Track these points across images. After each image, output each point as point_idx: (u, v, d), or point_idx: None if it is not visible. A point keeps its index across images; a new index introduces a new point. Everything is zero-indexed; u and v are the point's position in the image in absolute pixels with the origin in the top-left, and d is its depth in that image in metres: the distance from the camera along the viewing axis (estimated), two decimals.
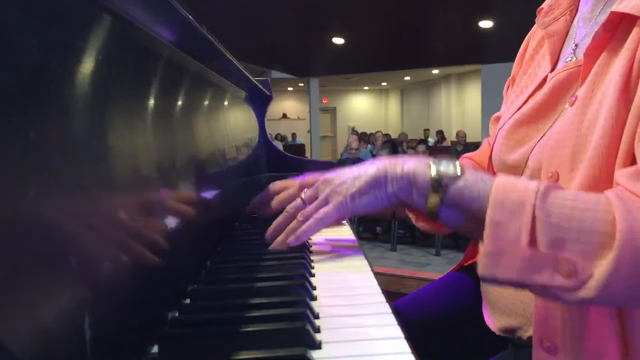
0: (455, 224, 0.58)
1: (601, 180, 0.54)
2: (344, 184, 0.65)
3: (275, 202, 0.81)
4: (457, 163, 0.57)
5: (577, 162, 0.57)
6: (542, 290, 0.49)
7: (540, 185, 0.50)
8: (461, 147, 8.73)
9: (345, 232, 0.90)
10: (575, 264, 0.47)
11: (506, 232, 0.49)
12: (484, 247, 0.50)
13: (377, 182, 0.62)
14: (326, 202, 0.66)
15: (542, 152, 0.63)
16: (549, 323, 0.58)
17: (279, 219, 0.72)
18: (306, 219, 0.67)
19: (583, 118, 0.58)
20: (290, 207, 0.72)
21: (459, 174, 0.56)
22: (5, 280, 0.25)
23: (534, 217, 0.48)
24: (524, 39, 0.86)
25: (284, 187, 0.81)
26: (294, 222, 0.69)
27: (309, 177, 0.76)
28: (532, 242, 0.48)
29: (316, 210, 0.67)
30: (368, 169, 0.64)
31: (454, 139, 10.26)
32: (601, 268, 0.46)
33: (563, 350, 0.57)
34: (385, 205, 0.63)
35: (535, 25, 0.82)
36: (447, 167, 0.57)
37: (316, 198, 0.68)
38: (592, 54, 0.60)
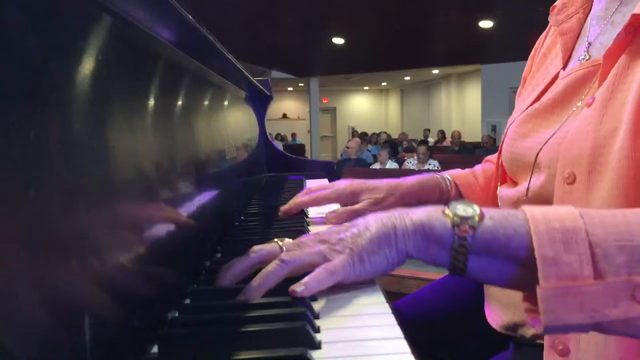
0: (487, 275, 0.49)
1: (630, 182, 0.52)
2: (344, 241, 0.53)
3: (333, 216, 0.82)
4: (474, 203, 0.49)
5: (596, 165, 0.55)
6: (623, 326, 0.42)
7: (577, 208, 0.45)
8: (457, 147, 8.74)
9: None
10: None
11: (564, 268, 0.42)
12: (542, 291, 0.42)
13: (387, 238, 0.51)
14: (322, 257, 0.53)
15: (556, 150, 0.61)
16: None
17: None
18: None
19: (601, 120, 0.56)
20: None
21: (482, 213, 0.48)
22: (5, 279, 0.25)
23: (590, 244, 0.42)
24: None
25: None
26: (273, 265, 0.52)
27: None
28: (597, 272, 0.42)
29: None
30: (369, 224, 0.53)
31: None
32: None
33: (576, 353, 0.54)
34: (394, 268, 0.52)
35: (549, 25, 0.81)
36: (465, 209, 0.48)
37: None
38: (612, 55, 0.58)
